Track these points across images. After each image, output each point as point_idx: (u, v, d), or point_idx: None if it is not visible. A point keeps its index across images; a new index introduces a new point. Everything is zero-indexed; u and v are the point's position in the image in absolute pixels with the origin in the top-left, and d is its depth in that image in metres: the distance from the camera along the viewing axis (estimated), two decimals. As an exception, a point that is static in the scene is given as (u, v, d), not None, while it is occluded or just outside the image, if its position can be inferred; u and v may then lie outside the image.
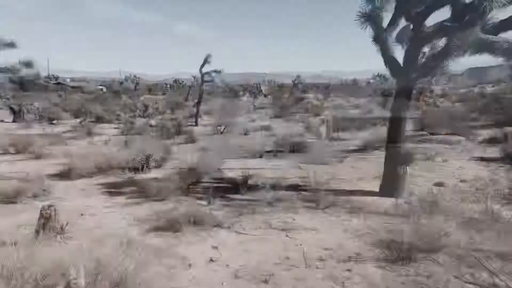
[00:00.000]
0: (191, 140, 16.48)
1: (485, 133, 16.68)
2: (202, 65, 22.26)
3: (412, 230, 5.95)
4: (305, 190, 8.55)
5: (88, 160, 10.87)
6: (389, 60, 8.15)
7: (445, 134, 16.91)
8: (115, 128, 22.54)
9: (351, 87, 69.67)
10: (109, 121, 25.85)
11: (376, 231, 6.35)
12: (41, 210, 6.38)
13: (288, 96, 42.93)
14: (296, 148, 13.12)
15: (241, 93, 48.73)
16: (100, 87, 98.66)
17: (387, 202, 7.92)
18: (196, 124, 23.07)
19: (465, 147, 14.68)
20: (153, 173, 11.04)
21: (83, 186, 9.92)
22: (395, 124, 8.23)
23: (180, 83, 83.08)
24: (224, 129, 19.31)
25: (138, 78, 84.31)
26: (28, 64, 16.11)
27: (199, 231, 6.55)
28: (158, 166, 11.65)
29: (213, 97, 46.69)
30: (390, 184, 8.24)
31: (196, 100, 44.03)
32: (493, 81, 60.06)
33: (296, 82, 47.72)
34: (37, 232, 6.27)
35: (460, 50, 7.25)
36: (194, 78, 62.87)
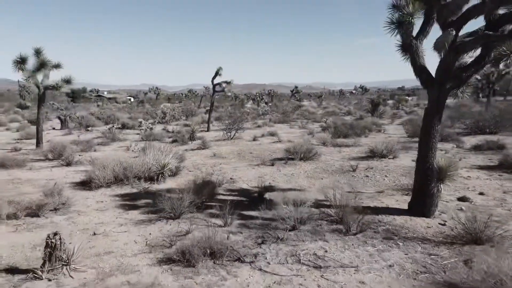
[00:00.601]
0: (204, 146, 14.47)
1: (467, 140, 14.65)
2: (214, 77, 20.25)
3: (472, 269, 4.03)
4: (328, 206, 6.55)
5: (108, 169, 8.94)
6: (420, 69, 6.16)
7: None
8: (137, 134, 20.56)
9: (339, 96, 68.03)
10: (133, 127, 23.90)
11: (428, 269, 4.37)
12: (46, 239, 4.58)
13: (287, 103, 40.86)
14: (306, 156, 11.06)
15: (245, 101, 46.65)
16: (129, 97, 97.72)
17: (420, 223, 5.95)
18: (208, 130, 21.06)
19: (458, 154, 12.65)
20: (168, 183, 9.09)
21: (100, 197, 8.08)
22: (426, 138, 6.23)
23: (194, 93, 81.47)
24: (234, 135, 17.27)
25: (159, 89, 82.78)
26: (67, 81, 15.60)
27: (216, 267, 4.57)
28: (173, 175, 9.69)
29: (222, 104, 44.78)
30: (421, 201, 6.26)
31: (207, 108, 42.27)
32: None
33: (294, 91, 45.65)
34: (44, 261, 4.53)
35: (505, 59, 5.31)
36: (206, 89, 61.29)
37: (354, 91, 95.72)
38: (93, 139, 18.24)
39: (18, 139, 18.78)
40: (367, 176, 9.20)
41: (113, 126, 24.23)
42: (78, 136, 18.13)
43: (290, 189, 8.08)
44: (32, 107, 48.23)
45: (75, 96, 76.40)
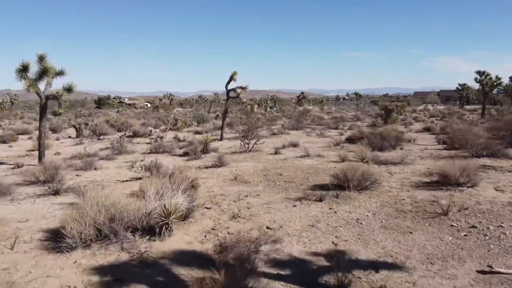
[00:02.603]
0: (221, 163, 10.54)
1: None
2: (228, 82, 16.28)
3: None
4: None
5: (88, 219, 5.03)
6: None
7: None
8: (147, 143, 16.67)
9: (335, 102, 63.94)
10: (144, 135, 19.92)
11: None
12: None
13: (294, 109, 36.83)
14: (362, 184, 7.09)
15: (254, 106, 42.56)
16: (146, 103, 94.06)
17: None
18: (221, 139, 17.11)
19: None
20: (177, 237, 5.21)
21: (69, 274, 4.28)
22: None
23: (203, 99, 77.77)
24: (253, 146, 13.31)
25: (172, 95, 79.20)
26: (69, 89, 11.69)
27: None
28: (184, 217, 5.81)
29: (230, 109, 40.80)
30: None
31: (217, 113, 38.28)
32: (430, 102, 57.91)
33: (300, 97, 41.73)
34: None
35: None
36: (215, 94, 57.36)
37: (346, 97, 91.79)
38: (100, 150, 14.41)
39: (30, 150, 15.12)
40: (473, 226, 5.25)
41: (125, 134, 20.37)
42: (84, 148, 14.16)
43: (376, 263, 4.19)
44: (64, 114, 44.20)
45: (101, 103, 73.35)
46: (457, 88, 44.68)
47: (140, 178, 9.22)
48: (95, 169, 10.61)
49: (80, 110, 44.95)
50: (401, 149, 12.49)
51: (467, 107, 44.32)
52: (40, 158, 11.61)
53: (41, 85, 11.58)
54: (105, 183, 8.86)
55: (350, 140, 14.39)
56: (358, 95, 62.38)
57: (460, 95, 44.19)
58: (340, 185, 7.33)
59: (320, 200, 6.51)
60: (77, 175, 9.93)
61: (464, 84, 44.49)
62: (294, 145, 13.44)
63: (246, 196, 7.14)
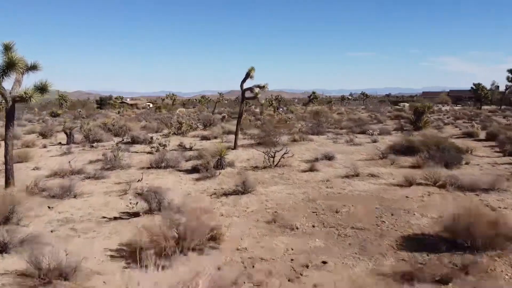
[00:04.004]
0: (244, 188, 7.57)
1: None
2: (244, 80, 13.30)
3: None
4: None
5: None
6: None
7: None
8: (147, 152, 13.78)
9: (341, 102, 61.19)
10: (144, 141, 16.95)
11: None
12: None
13: (304, 110, 33.90)
14: (492, 242, 4.18)
15: (265, 106, 39.53)
16: (148, 103, 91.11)
17: None
18: (235, 147, 14.17)
19: None
20: None
21: None
22: None
23: (206, 99, 74.97)
24: (280, 160, 10.34)
25: (175, 95, 76.44)
26: (42, 89, 8.71)
27: None
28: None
29: (236, 110, 37.83)
30: None
31: (223, 114, 35.31)
32: (440, 103, 55.25)
33: (311, 97, 38.86)
34: None
35: None
36: (220, 94, 54.50)
37: (350, 97, 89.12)
38: (89, 163, 11.52)
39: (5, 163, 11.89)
40: None
41: (122, 140, 17.50)
42: (69, 162, 10.99)
43: None
44: (63, 115, 41.11)
45: (103, 103, 70.63)
46: (471, 88, 41.85)
47: (134, 215, 6.38)
48: (75, 196, 7.69)
49: (80, 111, 42.05)
50: (466, 163, 9.60)
51: (486, 107, 41.39)
52: (7, 180, 8.51)
53: (8, 84, 8.55)
54: (82, 225, 6.00)
55: (394, 149, 11.47)
56: (365, 95, 59.49)
57: (478, 96, 41.32)
58: (448, 239, 4.44)
59: (445, 282, 3.61)
60: (48, 207, 7.02)
61: (479, 84, 41.61)
62: (329, 157, 10.53)
63: (306, 266, 4.22)
